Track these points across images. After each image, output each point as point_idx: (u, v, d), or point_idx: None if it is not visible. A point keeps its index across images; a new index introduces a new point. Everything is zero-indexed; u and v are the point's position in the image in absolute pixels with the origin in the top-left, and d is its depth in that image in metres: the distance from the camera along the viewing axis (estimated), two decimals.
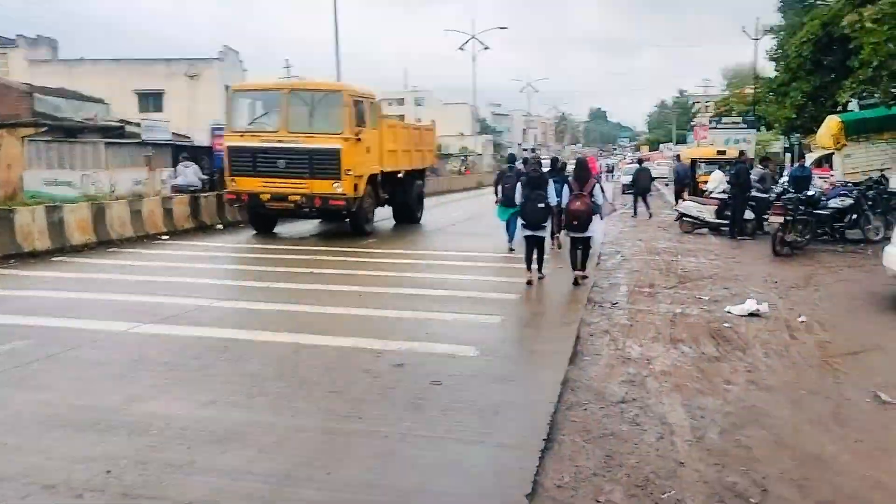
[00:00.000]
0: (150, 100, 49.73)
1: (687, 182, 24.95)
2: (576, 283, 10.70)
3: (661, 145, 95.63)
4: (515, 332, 8.23)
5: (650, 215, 23.24)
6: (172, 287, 10.04)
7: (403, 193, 19.72)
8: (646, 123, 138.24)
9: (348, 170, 15.59)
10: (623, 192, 33.68)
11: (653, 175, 27.17)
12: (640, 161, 30.08)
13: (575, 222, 10.61)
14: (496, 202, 14.45)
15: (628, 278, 11.49)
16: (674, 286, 10.83)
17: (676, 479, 4.23)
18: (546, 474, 4.25)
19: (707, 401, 5.59)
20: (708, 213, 18.70)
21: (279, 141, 15.77)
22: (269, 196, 15.98)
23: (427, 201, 22.14)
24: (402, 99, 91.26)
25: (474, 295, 9.67)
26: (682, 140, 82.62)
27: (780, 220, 14.50)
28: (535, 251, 10.70)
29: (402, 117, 38.77)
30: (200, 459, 4.39)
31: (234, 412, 5.19)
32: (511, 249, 13.82)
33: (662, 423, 5.10)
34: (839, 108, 30.15)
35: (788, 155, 42.48)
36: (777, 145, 46.52)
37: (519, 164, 15.08)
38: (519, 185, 10.83)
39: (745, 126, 39.92)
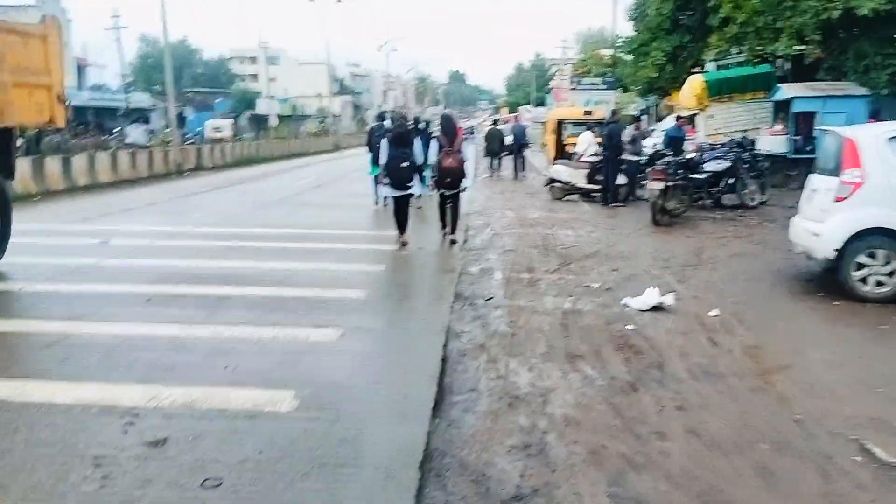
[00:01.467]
0: None
1: (522, 144, 24.81)
2: (450, 243, 10.45)
3: (519, 108, 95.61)
4: (356, 359, 5.54)
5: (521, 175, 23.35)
6: None
7: None
8: (504, 86, 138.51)
9: None
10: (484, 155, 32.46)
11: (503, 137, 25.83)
12: (494, 122, 28.78)
13: (448, 179, 10.32)
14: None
15: (502, 260, 9.54)
16: (556, 269, 8.99)
17: None
18: None
19: (642, 482, 3.65)
20: (579, 177, 17.19)
21: None
22: None
23: (275, 165, 19.49)
24: (255, 57, 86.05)
25: (305, 294, 7.38)
26: (541, 102, 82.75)
27: (661, 185, 13.06)
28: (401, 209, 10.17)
29: None
30: None
31: None
32: (376, 205, 14.77)
33: None
34: (697, 68, 29.88)
35: (645, 117, 42.54)
36: (632, 108, 46.55)
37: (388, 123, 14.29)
38: (384, 143, 10.19)
39: (606, 87, 39.36)
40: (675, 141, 15.99)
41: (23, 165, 16.14)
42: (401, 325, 6.66)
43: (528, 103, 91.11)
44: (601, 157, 16.93)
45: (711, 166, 14.99)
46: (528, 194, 18.59)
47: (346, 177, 24.18)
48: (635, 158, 17.03)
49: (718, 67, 29.15)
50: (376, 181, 13.88)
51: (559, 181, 17.38)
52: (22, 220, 12.68)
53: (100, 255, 9.38)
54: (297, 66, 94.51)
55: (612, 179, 16.09)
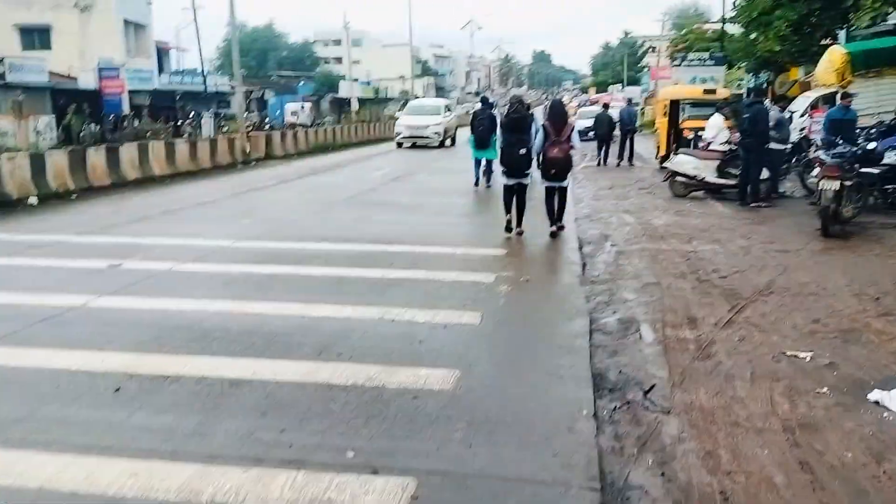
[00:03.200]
0: (35, 36, 42.81)
1: (630, 129, 22.17)
2: (552, 236, 9.89)
3: (609, 87, 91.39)
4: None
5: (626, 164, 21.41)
6: None
7: None
8: (590, 66, 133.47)
9: None
10: (581, 139, 29.23)
11: (613, 122, 22.89)
12: (605, 105, 25.43)
13: (553, 171, 9.73)
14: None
15: (645, 302, 6.65)
16: (729, 320, 6.09)
17: None
18: None
19: None
20: (708, 170, 14.06)
21: None
22: None
23: (352, 153, 17.16)
24: (339, 40, 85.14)
25: (358, 379, 4.72)
26: (634, 81, 78.53)
27: (835, 185, 9.90)
28: (514, 200, 9.82)
29: None
30: None
31: None
32: (476, 187, 15.32)
33: None
34: (829, 39, 26.13)
35: (752, 95, 38.36)
36: (738, 86, 42.37)
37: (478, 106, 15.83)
38: (499, 128, 10.10)
39: (713, 63, 35.51)
40: (842, 125, 12.60)
41: (58, 159, 14.18)
42: (513, 465, 3.86)
43: (618, 83, 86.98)
44: (734, 146, 13.82)
45: (891, 157, 11.68)
46: (641, 190, 15.53)
47: (428, 166, 21.53)
48: (781, 147, 13.82)
49: (849, 39, 25.35)
50: (477, 164, 15.37)
51: (683, 175, 14.30)
52: (29, 230, 10.66)
53: (96, 289, 6.99)
54: (380, 48, 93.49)
55: (755, 173, 12.94)
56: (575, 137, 9.93)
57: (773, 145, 13.27)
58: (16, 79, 31.20)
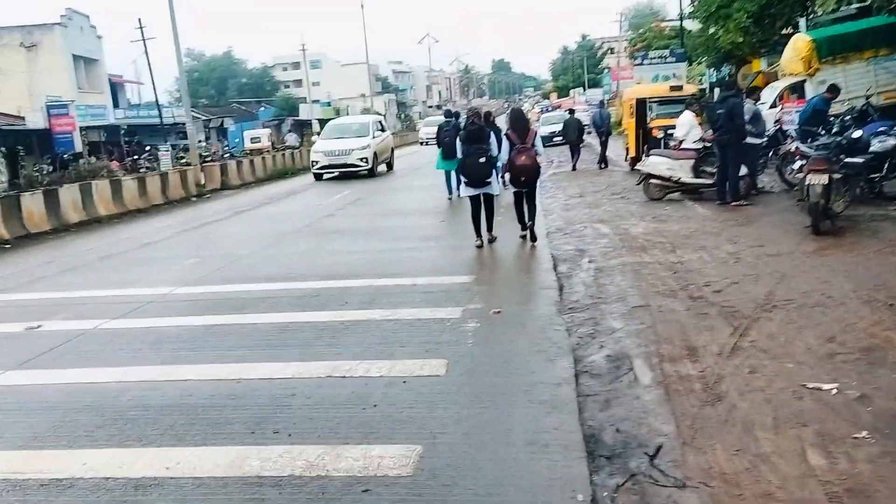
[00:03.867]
0: None
1: (604, 131, 22.15)
2: (523, 238, 10.04)
3: (571, 91, 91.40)
4: None
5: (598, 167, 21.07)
6: None
7: None
8: (549, 71, 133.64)
9: None
10: (544, 145, 28.83)
11: (582, 126, 22.63)
12: (570, 111, 24.96)
13: (523, 178, 9.73)
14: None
15: (635, 330, 5.79)
16: (733, 347, 5.26)
17: None
18: None
19: None
20: (683, 171, 13.35)
21: None
22: None
23: (302, 180, 16.13)
24: (298, 63, 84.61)
25: (306, 465, 3.83)
26: (594, 84, 78.49)
27: (824, 179, 9.18)
28: (482, 210, 9.85)
29: None
30: None
31: None
32: (449, 198, 14.97)
33: None
34: (790, 29, 25.84)
35: (717, 89, 38.02)
36: (699, 82, 42.07)
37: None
38: (458, 140, 9.97)
39: (675, 59, 35.16)
40: (818, 115, 11.96)
41: None
42: None
43: (579, 86, 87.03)
44: (708, 143, 13.13)
45: (875, 146, 11.01)
46: (614, 196, 14.77)
47: (388, 186, 20.67)
48: (757, 141, 13.15)
49: (810, 27, 25.08)
50: (448, 176, 15.08)
51: (657, 177, 13.57)
52: None
53: (1, 362, 6.01)
54: (339, 68, 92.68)
55: (734, 170, 12.23)
56: (538, 144, 9.94)
57: (749, 140, 12.59)
58: None
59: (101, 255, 11.63)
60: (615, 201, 13.92)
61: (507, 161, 9.67)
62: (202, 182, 21.54)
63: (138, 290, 8.56)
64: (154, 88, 43.59)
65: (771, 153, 14.54)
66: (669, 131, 16.82)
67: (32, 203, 14.02)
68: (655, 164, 13.64)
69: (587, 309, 6.47)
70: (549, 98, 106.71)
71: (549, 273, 8.08)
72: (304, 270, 9.09)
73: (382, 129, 25.71)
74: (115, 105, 47.39)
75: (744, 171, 12.53)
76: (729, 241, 9.32)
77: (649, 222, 11.15)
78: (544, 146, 11.42)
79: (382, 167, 24.53)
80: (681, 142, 14.22)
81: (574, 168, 21.26)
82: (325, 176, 23.19)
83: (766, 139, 13.96)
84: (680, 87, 18.87)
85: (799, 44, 18.97)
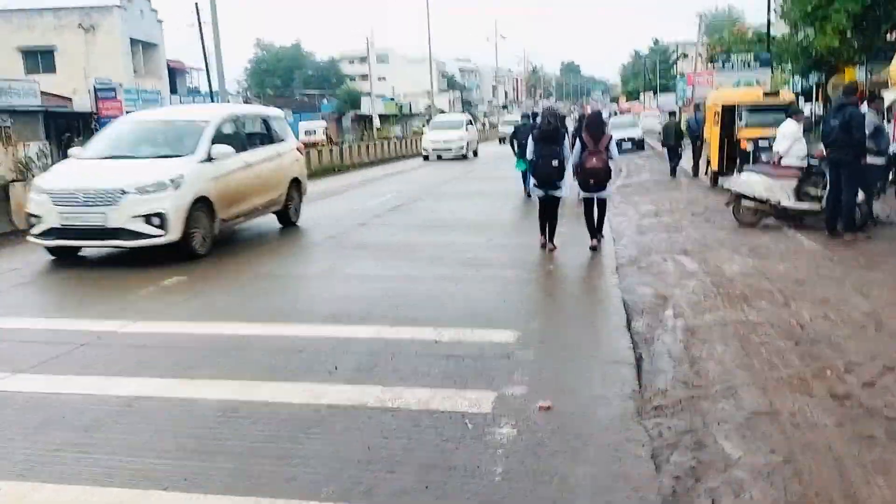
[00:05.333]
0: (39, 58, 40.95)
1: (697, 137, 19.77)
2: (593, 249, 9.73)
3: (640, 95, 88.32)
4: None
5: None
6: None
7: None
8: (619, 76, 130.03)
9: None
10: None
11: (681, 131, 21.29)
12: (671, 113, 23.26)
13: (592, 181, 9.60)
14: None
15: (759, 464, 3.64)
16: None
17: None
18: None
19: None
20: (783, 192, 11.01)
21: None
22: None
23: (361, 174, 14.61)
24: (364, 57, 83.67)
25: None
26: (664, 89, 75.53)
27: None
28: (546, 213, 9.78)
29: None
30: None
31: None
32: (528, 196, 14.28)
33: None
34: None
35: (801, 99, 34.97)
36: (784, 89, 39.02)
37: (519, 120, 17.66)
38: (531, 140, 9.98)
39: (759, 64, 32.50)
40: None
41: None
42: None
43: (650, 90, 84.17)
44: (817, 160, 10.83)
45: None
46: (696, 216, 12.47)
47: (436, 190, 18.66)
48: (877, 161, 10.79)
49: None
50: (524, 176, 14.75)
51: (751, 198, 11.27)
52: None
53: None
54: (405, 64, 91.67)
55: (848, 195, 9.88)
56: (612, 148, 9.76)
57: (869, 159, 10.23)
58: (3, 102, 29.10)
59: None
60: (698, 224, 11.65)
61: (577, 164, 9.62)
62: None
63: (86, 325, 6.74)
64: (208, 75, 42.48)
65: (891, 176, 12.10)
66: (761, 143, 14.48)
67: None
68: (750, 182, 11.31)
69: (680, 411, 4.31)
70: (616, 102, 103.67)
71: (620, 333, 5.94)
72: (302, 306, 7.14)
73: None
74: (174, 91, 46.68)
75: (860, 196, 10.18)
76: (858, 291, 7.05)
77: (746, 257, 8.88)
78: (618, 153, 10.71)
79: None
80: (780, 157, 11.83)
81: (673, 173, 20.15)
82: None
83: (884, 158, 11.53)
84: (776, 94, 16.40)
85: None
